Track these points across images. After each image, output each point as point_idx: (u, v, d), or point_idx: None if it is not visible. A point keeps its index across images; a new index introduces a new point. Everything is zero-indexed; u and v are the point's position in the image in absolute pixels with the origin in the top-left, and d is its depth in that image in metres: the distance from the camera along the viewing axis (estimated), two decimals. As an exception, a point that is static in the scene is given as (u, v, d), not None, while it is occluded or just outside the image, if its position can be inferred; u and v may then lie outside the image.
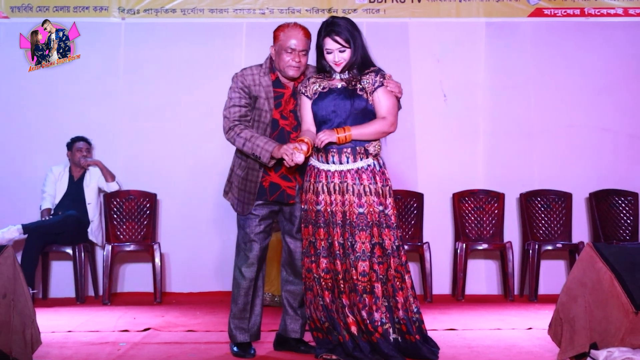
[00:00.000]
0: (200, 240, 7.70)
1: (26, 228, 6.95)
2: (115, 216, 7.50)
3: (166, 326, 5.64)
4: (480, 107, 7.87)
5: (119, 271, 7.74)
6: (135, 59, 7.82)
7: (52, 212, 7.33)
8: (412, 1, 7.84)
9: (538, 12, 7.87)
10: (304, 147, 4.22)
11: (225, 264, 7.31)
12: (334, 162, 4.29)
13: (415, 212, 7.51)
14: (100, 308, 6.81)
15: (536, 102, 7.84)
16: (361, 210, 4.23)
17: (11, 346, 3.86)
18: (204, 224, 7.72)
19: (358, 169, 4.27)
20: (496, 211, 7.56)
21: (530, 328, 5.41)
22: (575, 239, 7.46)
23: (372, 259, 4.22)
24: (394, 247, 4.26)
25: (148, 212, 7.54)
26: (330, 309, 4.29)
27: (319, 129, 4.35)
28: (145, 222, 7.53)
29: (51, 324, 5.61)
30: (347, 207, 4.24)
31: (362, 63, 4.35)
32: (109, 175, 7.45)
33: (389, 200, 4.30)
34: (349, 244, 4.22)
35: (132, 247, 7.37)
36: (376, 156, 4.33)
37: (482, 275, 7.77)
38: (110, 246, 7.22)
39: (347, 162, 4.28)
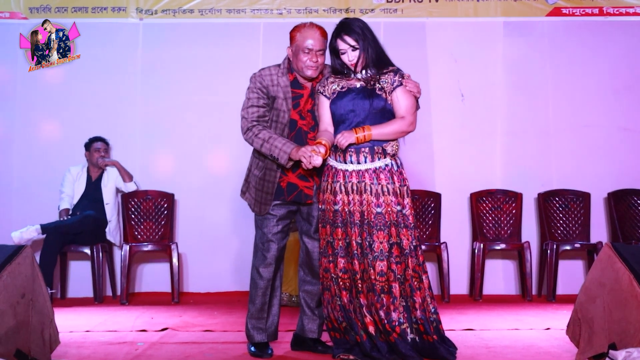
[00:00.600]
0: (217, 240, 7.71)
1: (44, 228, 6.98)
2: (133, 216, 7.52)
3: (184, 326, 5.65)
4: (498, 107, 7.85)
5: (136, 271, 7.77)
6: (153, 60, 7.84)
7: (70, 212, 7.36)
8: (430, 1, 7.82)
9: (556, 12, 7.83)
10: (322, 150, 4.21)
11: (242, 264, 7.32)
12: (351, 162, 4.29)
13: (432, 212, 7.50)
14: (118, 308, 6.83)
15: (554, 102, 7.81)
16: (379, 210, 4.22)
17: (30, 346, 3.88)
18: (221, 224, 7.73)
19: (376, 168, 4.27)
20: (514, 211, 7.54)
21: (548, 328, 5.39)
22: (593, 239, 7.43)
23: (390, 259, 4.21)
24: (412, 247, 4.26)
25: (165, 212, 7.56)
26: (347, 309, 4.29)
27: (336, 129, 4.35)
28: (162, 222, 7.55)
29: (69, 323, 5.62)
30: (365, 207, 4.24)
31: (377, 61, 4.35)
32: (126, 176, 7.48)
33: (407, 200, 4.29)
34: (367, 243, 4.21)
35: (149, 247, 7.39)
36: (394, 156, 4.33)
37: (500, 276, 7.75)
38: (128, 246, 7.24)
39: (365, 162, 4.27)
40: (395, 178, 4.28)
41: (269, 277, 4.58)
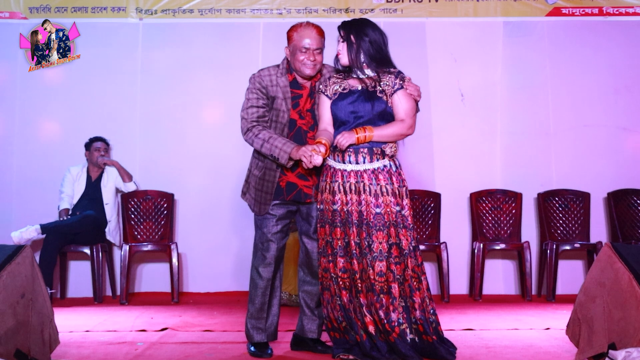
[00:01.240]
0: (217, 241, 7.71)
1: (44, 228, 6.98)
2: (132, 216, 7.52)
3: (183, 326, 5.65)
4: (498, 107, 7.85)
5: (136, 271, 7.77)
6: (153, 59, 7.85)
7: (70, 212, 7.36)
8: (430, 1, 7.83)
9: (556, 12, 7.84)
10: (322, 149, 4.22)
11: (242, 264, 7.33)
12: (350, 162, 4.29)
13: (432, 212, 7.50)
14: (118, 308, 6.83)
15: (554, 102, 7.81)
16: (378, 210, 4.23)
17: (30, 345, 3.88)
18: (221, 224, 7.73)
19: (375, 169, 4.27)
20: (514, 211, 7.54)
21: (548, 328, 5.39)
22: (593, 239, 7.44)
23: (390, 259, 4.21)
24: (411, 247, 4.26)
25: (165, 212, 7.56)
26: (347, 309, 4.29)
27: (337, 130, 4.36)
28: (162, 222, 7.55)
29: (69, 323, 5.62)
30: (363, 207, 4.24)
31: (377, 62, 4.34)
32: (126, 176, 7.48)
33: (406, 201, 4.30)
34: (366, 243, 4.21)
35: (149, 247, 7.39)
36: (392, 157, 4.33)
37: (500, 276, 7.75)
38: (127, 246, 7.24)
39: (364, 162, 4.27)
40: (394, 179, 4.28)
41: (269, 277, 4.58)
